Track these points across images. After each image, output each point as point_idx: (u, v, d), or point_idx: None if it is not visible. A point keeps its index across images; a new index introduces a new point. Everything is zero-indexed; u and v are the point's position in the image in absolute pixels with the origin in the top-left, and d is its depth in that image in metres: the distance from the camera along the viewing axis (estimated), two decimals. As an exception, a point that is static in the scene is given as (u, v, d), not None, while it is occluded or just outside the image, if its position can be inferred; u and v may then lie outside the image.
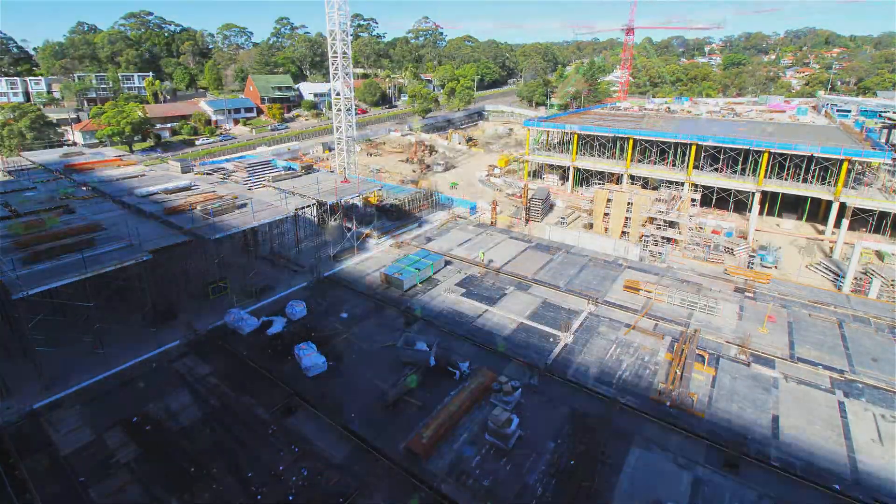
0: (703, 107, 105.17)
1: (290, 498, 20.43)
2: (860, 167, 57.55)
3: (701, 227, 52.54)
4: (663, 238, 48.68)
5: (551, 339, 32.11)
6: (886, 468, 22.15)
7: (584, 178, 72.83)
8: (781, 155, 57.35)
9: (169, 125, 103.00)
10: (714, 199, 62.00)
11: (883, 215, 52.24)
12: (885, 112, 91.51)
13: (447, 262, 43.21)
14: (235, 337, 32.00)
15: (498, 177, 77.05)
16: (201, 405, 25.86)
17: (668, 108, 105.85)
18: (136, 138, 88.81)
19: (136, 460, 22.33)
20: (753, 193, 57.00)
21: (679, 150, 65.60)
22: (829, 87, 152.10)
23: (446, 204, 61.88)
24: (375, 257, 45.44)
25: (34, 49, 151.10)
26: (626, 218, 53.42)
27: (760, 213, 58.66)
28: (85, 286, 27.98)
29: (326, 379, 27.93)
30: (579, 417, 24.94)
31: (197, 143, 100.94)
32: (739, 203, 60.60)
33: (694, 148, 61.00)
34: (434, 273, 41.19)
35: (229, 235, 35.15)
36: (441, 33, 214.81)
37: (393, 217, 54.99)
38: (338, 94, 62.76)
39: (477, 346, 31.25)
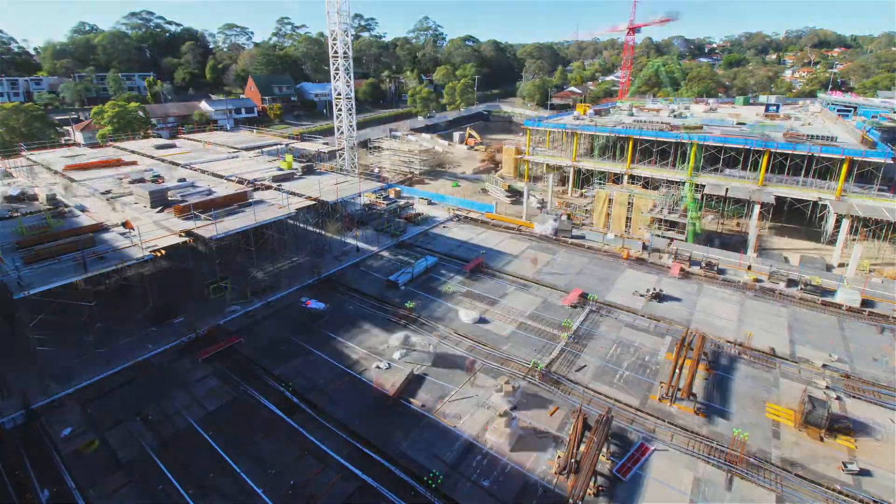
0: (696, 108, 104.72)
1: (290, 494, 20.48)
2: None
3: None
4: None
5: (551, 339, 32.14)
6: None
7: (585, 178, 72.72)
8: (782, 155, 57.23)
9: (170, 125, 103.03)
10: (715, 199, 61.85)
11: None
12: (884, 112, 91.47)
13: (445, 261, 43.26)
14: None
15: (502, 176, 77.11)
16: (202, 404, 25.91)
17: (673, 110, 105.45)
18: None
19: (137, 460, 22.36)
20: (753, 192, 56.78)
21: (679, 150, 65.52)
22: (830, 86, 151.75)
23: (438, 203, 62.23)
24: (376, 256, 45.45)
25: (35, 49, 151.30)
26: (627, 217, 53.48)
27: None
28: (86, 286, 28.01)
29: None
30: (579, 417, 24.92)
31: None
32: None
33: (694, 148, 60.93)
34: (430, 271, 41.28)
35: (230, 235, 35.12)
36: (441, 33, 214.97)
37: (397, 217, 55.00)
38: (339, 94, 62.80)
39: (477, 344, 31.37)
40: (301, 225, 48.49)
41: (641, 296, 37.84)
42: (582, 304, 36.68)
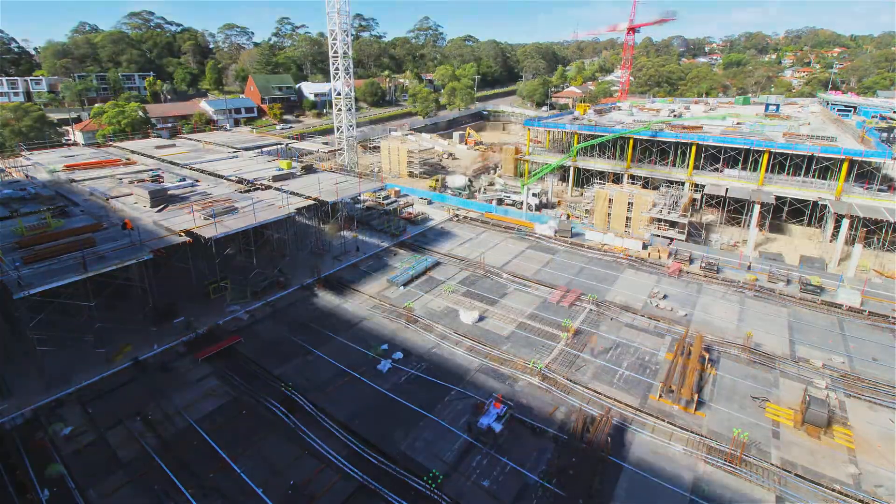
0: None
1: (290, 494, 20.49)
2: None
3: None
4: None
5: (551, 338, 32.14)
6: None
7: (585, 178, 72.75)
8: (782, 154, 57.27)
9: (169, 125, 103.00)
10: (714, 199, 61.83)
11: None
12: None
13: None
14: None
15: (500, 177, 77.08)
16: (201, 404, 25.91)
17: (673, 111, 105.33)
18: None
19: (137, 460, 22.36)
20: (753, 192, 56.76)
21: (679, 150, 65.53)
22: (829, 86, 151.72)
23: (437, 203, 62.22)
24: (376, 256, 45.42)
25: (35, 49, 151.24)
26: (627, 217, 53.52)
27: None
28: (86, 285, 28.00)
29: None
30: (580, 416, 24.94)
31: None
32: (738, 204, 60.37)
33: (694, 148, 60.96)
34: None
35: (230, 235, 35.11)
36: (441, 33, 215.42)
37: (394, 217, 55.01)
38: (338, 93, 62.84)
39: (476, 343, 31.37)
40: (302, 221, 48.53)
41: (651, 299, 37.65)
42: (581, 303, 36.67)
